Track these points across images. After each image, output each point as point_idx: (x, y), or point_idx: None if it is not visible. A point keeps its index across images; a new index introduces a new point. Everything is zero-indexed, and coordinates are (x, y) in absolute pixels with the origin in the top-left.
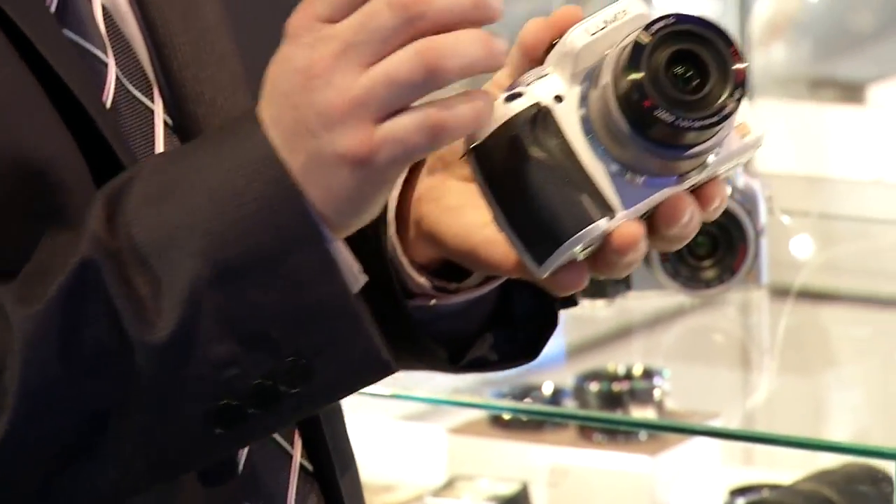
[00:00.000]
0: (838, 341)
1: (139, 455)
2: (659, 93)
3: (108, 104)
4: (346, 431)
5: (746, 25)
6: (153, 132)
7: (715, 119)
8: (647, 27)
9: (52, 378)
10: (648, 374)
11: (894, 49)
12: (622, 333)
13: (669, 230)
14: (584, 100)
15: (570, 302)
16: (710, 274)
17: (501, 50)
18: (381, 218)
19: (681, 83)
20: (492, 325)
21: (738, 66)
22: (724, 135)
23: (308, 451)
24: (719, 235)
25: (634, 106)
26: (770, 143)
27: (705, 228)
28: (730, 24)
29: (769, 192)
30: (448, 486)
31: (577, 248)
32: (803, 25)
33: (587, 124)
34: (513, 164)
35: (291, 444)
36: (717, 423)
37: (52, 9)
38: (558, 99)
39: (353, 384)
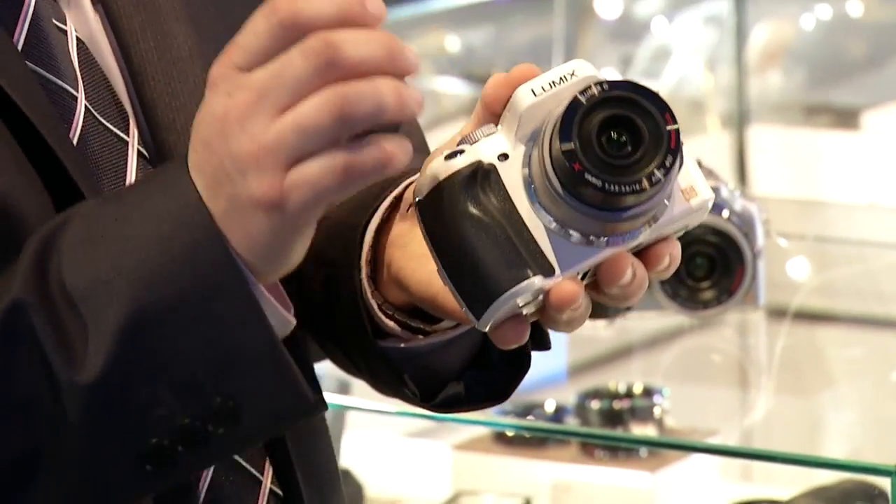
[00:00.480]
0: (834, 361)
1: (72, 493)
2: (587, 158)
3: (76, 138)
4: (331, 457)
5: (743, 53)
6: (125, 164)
7: (645, 184)
8: (583, 92)
9: None
10: (648, 392)
11: (888, 76)
12: (623, 353)
13: (610, 289)
14: (527, 160)
15: (543, 346)
16: (708, 295)
17: (415, 98)
18: (354, 262)
19: (613, 148)
20: (470, 367)
21: (671, 130)
22: (664, 197)
23: (279, 476)
24: (717, 257)
25: (565, 169)
26: (767, 167)
27: (704, 251)
28: (726, 53)
29: (766, 215)
30: (453, 500)
31: (514, 304)
32: (799, 53)
33: (529, 184)
34: (452, 220)
35: (262, 470)
36: (715, 441)
37: (19, 45)
38: (503, 157)
39: (281, 424)
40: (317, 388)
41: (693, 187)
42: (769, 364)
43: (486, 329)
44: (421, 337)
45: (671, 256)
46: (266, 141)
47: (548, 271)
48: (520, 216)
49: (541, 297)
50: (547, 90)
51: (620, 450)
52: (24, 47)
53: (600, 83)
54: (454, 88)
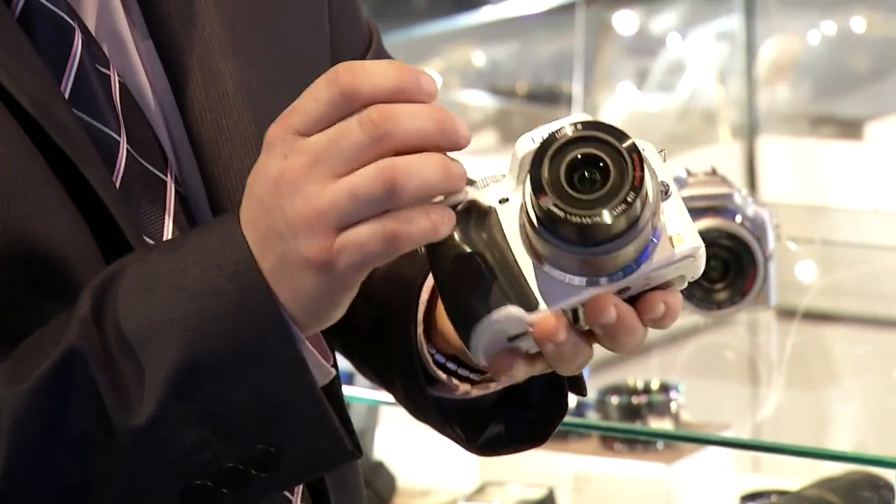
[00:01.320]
0: (840, 359)
1: None
2: (553, 190)
3: (119, 182)
4: (355, 466)
5: (753, 67)
6: (164, 204)
7: (605, 217)
8: (557, 130)
9: (35, 456)
10: (665, 388)
11: (889, 89)
12: (641, 350)
13: (594, 326)
14: (522, 206)
15: (580, 391)
16: (722, 296)
17: (460, 174)
18: (411, 317)
19: (582, 185)
20: (504, 402)
21: (636, 169)
22: (639, 234)
23: (311, 493)
24: (731, 260)
25: (536, 204)
26: (776, 175)
27: (718, 254)
28: (736, 66)
29: (776, 220)
30: (480, 490)
31: (499, 332)
32: (805, 67)
33: (522, 224)
34: (446, 252)
35: (292, 490)
36: (728, 434)
37: (66, 93)
38: (504, 200)
39: (319, 469)
40: (352, 433)
41: (681, 235)
42: (779, 361)
43: (482, 359)
44: (470, 387)
45: (667, 304)
46: (319, 205)
47: (531, 305)
48: (513, 255)
49: (521, 329)
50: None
51: (638, 443)
52: (70, 95)
53: (575, 123)
54: (480, 101)
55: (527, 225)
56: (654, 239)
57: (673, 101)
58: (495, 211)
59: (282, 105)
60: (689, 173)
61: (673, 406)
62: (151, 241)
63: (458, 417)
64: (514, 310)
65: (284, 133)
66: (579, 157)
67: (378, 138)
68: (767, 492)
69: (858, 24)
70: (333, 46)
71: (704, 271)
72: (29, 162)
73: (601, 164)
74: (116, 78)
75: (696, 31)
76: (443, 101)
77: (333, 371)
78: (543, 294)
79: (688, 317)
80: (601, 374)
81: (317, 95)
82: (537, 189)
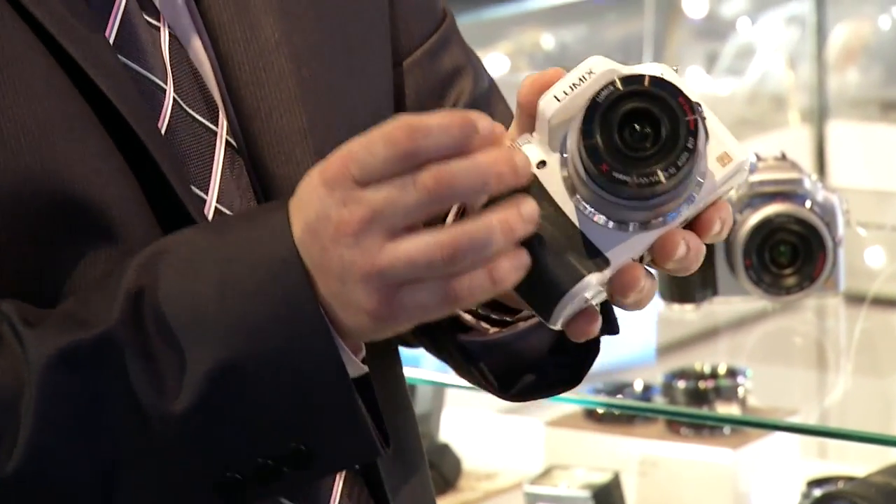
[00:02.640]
0: None
1: None
2: (612, 156)
3: (164, 128)
4: (413, 432)
5: (823, 52)
6: (213, 153)
7: (672, 170)
8: (599, 92)
9: (62, 430)
10: (732, 373)
11: None
12: (708, 335)
13: (667, 265)
14: (563, 162)
15: (612, 331)
16: (791, 281)
17: (526, 225)
18: None
19: (636, 140)
20: (549, 355)
21: (688, 114)
22: (698, 171)
23: (363, 475)
24: (800, 245)
25: (595, 171)
26: (845, 160)
27: (787, 239)
28: (807, 51)
29: (846, 205)
30: (545, 474)
31: (580, 300)
32: (876, 52)
33: (570, 186)
34: None
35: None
36: (795, 420)
37: (111, 40)
38: (542, 164)
39: (349, 466)
40: (383, 429)
41: (727, 153)
42: (847, 347)
43: (560, 326)
44: (499, 329)
45: (722, 220)
46: (377, 262)
47: (602, 265)
48: (566, 217)
49: (600, 289)
50: (569, 93)
51: (705, 427)
52: (115, 41)
53: (614, 82)
54: None
55: (578, 185)
56: (706, 168)
57: (742, 85)
58: (536, 177)
59: (327, 67)
60: (758, 158)
61: (740, 391)
62: (199, 192)
63: (490, 368)
64: (592, 278)
65: (343, 179)
66: (627, 114)
67: (435, 201)
68: (834, 478)
69: None
70: (395, 26)
71: (773, 257)
72: (68, 104)
73: (651, 117)
74: (166, 30)
75: (766, 15)
76: (512, 85)
77: (365, 368)
78: (609, 249)
79: (756, 302)
80: (668, 359)
81: (375, 150)
82: (595, 157)
